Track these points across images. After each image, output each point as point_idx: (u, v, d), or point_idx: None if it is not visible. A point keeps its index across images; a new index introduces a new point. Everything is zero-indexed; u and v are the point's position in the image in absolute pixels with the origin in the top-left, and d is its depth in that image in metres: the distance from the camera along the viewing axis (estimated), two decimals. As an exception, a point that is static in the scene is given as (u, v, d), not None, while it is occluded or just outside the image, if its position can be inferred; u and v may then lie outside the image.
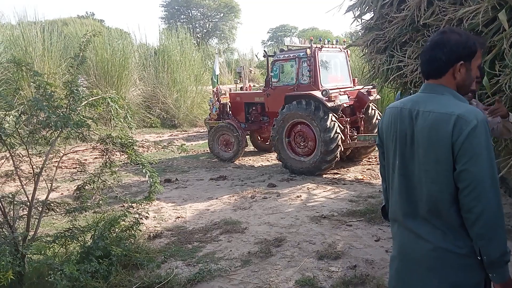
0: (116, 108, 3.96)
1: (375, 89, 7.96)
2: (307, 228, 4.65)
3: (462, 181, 1.43)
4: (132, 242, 4.01)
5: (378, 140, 1.80)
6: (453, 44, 1.53)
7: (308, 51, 7.48)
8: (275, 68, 8.12)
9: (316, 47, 7.55)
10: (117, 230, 3.85)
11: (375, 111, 8.07)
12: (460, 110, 1.47)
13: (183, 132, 13.79)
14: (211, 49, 27.20)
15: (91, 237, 3.68)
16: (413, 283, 1.62)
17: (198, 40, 29.28)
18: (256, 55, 28.48)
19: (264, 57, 8.88)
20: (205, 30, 47.58)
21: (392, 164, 1.67)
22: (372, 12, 4.66)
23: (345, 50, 8.35)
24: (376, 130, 1.96)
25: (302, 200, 5.81)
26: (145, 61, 15.46)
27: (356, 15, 5.03)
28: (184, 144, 4.63)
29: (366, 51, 4.83)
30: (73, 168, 8.03)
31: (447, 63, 1.55)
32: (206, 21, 48.22)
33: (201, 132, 13.69)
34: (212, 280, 3.52)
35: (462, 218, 1.47)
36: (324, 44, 7.87)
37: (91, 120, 3.46)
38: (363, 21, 4.83)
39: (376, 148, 8.09)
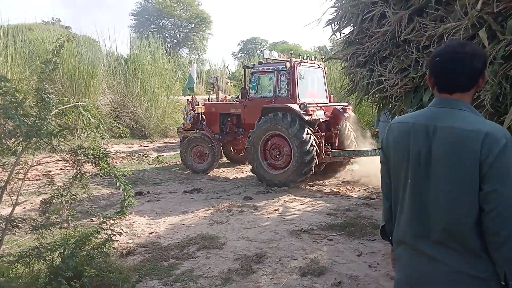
0: (89, 117, 3.75)
1: (350, 106, 8.06)
2: (287, 242, 4.55)
3: (489, 202, 1.35)
4: (104, 260, 3.76)
5: (383, 157, 1.70)
6: (483, 54, 1.49)
7: (288, 64, 7.49)
8: (253, 80, 8.07)
9: (296, 61, 7.57)
10: (87, 247, 3.60)
11: (349, 128, 8.15)
12: (487, 128, 1.39)
13: (154, 143, 13.44)
14: (181, 59, 26.92)
15: (58, 255, 3.42)
16: None
17: (169, 50, 28.98)
18: (227, 67, 28.47)
19: (243, 68, 8.82)
20: (175, 40, 47.22)
21: (403, 183, 1.57)
22: (352, 27, 4.69)
23: (323, 67, 8.44)
24: (379, 144, 1.85)
25: (279, 213, 5.71)
26: (114, 70, 15.04)
27: (335, 29, 5.06)
28: (161, 156, 4.45)
29: (346, 64, 4.86)
30: (37, 180, 7.59)
31: (479, 73, 1.49)
32: (177, 31, 47.91)
33: (172, 143, 13.40)
34: (192, 300, 3.34)
35: (483, 240, 1.40)
36: (303, 59, 7.91)
37: (65, 130, 3.22)
38: (342, 35, 4.86)
39: (348, 163, 8.14)
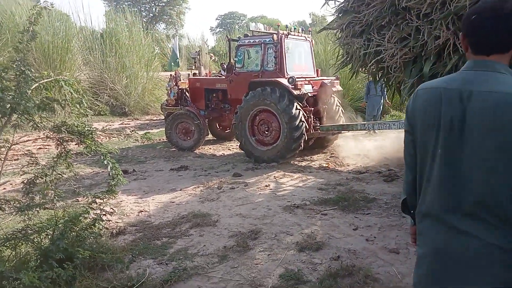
0: (71, 92, 3.52)
1: (338, 81, 7.95)
2: (282, 218, 4.48)
3: None
4: (95, 241, 3.60)
5: (407, 126, 1.57)
6: None
7: (275, 37, 7.26)
8: (239, 53, 7.81)
9: (283, 34, 7.35)
10: (77, 228, 3.43)
11: (337, 103, 8.06)
12: None
13: (135, 120, 13.09)
14: (159, 34, 26.10)
15: (46, 237, 3.24)
16: (455, 282, 1.46)
17: (145, 24, 27.99)
18: (206, 42, 27.81)
19: (227, 41, 8.53)
20: (151, 15, 45.74)
21: (431, 153, 1.46)
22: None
23: (310, 40, 8.24)
24: (405, 114, 1.71)
25: (271, 189, 5.63)
26: (90, 45, 14.41)
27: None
28: (149, 133, 4.26)
29: (341, 35, 4.71)
30: (15, 160, 7.26)
31: None
32: (153, 5, 46.35)
33: (154, 120, 13.09)
34: (190, 279, 3.24)
35: None
36: (291, 31, 7.68)
37: (55, 102, 3.00)
38: (337, 3, 4.69)
39: (336, 138, 8.09)
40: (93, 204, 3.61)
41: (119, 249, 3.70)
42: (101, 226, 3.71)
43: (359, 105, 11.47)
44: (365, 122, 8.10)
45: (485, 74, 1.38)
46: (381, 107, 9.79)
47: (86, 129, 3.86)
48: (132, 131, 4.25)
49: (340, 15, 4.64)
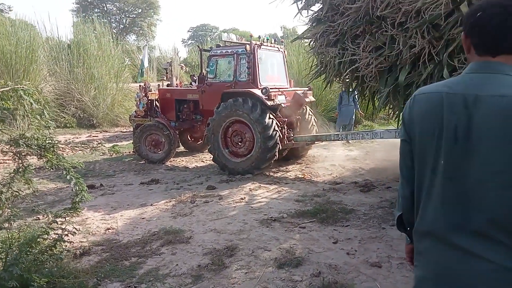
0: (31, 103, 3.25)
1: (311, 91, 7.91)
2: (259, 233, 4.29)
3: None
4: (56, 264, 3.30)
5: (404, 135, 1.42)
6: None
7: (248, 47, 7.15)
8: (211, 64, 7.65)
9: (256, 44, 7.25)
10: (35, 251, 3.12)
11: (310, 113, 8.01)
12: None
13: (103, 132, 12.63)
14: (129, 45, 25.63)
15: None
16: None
17: (115, 36, 27.41)
18: (177, 54, 27.50)
19: (199, 51, 8.36)
20: (122, 26, 45.05)
21: (432, 165, 1.31)
22: (322, 3, 4.47)
23: (283, 50, 8.19)
24: (400, 123, 1.55)
25: (246, 202, 5.44)
26: (57, 55, 13.89)
27: (301, 7, 4.81)
28: (117, 145, 4.01)
29: (315, 44, 4.64)
30: (-30, 176, 6.76)
31: None
32: (123, 16, 45.70)
33: (123, 132, 12.67)
34: (161, 303, 2.99)
35: None
36: (264, 42, 7.60)
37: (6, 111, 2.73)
38: (310, 13, 4.62)
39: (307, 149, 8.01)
40: (53, 223, 3.32)
41: (83, 272, 3.40)
42: (62, 248, 3.42)
43: (332, 115, 11.51)
44: (338, 133, 8.07)
45: (491, 77, 1.25)
46: (354, 117, 9.83)
47: (47, 142, 3.58)
48: (99, 143, 3.99)
49: (314, 24, 4.56)
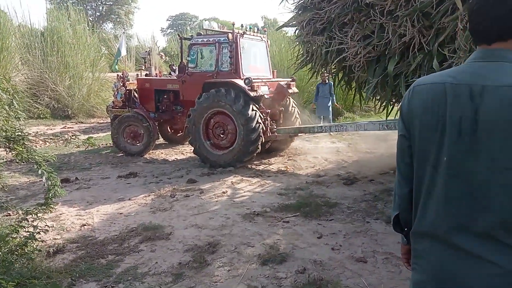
0: (-1, 93, 3.03)
1: (294, 82, 7.78)
2: (241, 228, 4.17)
3: None
4: (26, 264, 3.10)
5: (402, 129, 1.32)
6: None
7: (230, 36, 6.94)
8: (192, 53, 7.41)
9: (238, 33, 7.05)
10: (3, 250, 2.92)
11: (293, 104, 7.89)
12: None
13: (79, 124, 12.22)
14: (106, 34, 24.89)
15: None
16: None
17: (91, 23, 26.60)
18: (156, 43, 26.93)
19: (179, 39, 8.10)
20: (98, 14, 43.76)
21: (433, 161, 1.22)
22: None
23: (266, 40, 8.02)
24: (398, 114, 1.42)
25: (228, 196, 5.30)
26: (29, 43, 13.31)
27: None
28: (92, 137, 3.80)
29: (301, 32, 4.50)
30: None
31: None
32: (99, 3, 44.38)
33: (100, 123, 12.30)
34: (140, 304, 2.84)
35: None
36: (246, 30, 7.40)
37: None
38: (296, 0, 4.47)
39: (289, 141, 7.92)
40: (23, 221, 3.11)
41: (56, 272, 3.21)
42: (34, 246, 3.22)
43: (314, 107, 11.46)
44: (322, 125, 8.00)
45: (498, 65, 1.15)
46: (331, 109, 9.81)
47: (16, 134, 3.36)
48: (73, 135, 3.78)
49: (300, 12, 4.42)
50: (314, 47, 4.27)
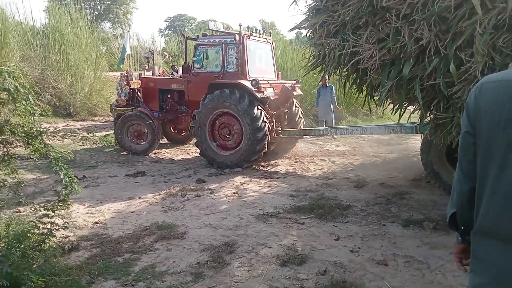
0: (16, 87, 3.01)
1: (299, 85, 7.80)
2: (256, 228, 4.15)
3: None
4: (45, 261, 3.06)
5: (468, 126, 1.31)
6: None
7: (237, 37, 6.95)
8: (198, 53, 7.40)
9: (245, 34, 7.06)
10: (25, 246, 2.89)
11: (297, 106, 7.91)
12: None
13: (81, 122, 12.14)
14: (104, 33, 24.80)
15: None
16: None
17: (91, 22, 26.49)
18: (153, 43, 26.82)
19: (185, 40, 8.08)
20: (96, 13, 43.56)
21: (500, 159, 1.20)
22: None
23: (271, 42, 8.04)
24: (463, 112, 1.42)
25: (239, 196, 5.28)
26: (31, 39, 13.22)
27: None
28: (108, 135, 3.78)
29: (313, 35, 4.49)
30: None
31: None
32: (98, 2, 44.20)
33: (102, 122, 12.24)
34: (163, 303, 2.81)
35: None
36: (253, 32, 7.41)
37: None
38: (309, 2, 4.46)
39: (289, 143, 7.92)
40: (44, 217, 3.08)
41: (74, 269, 3.18)
42: (52, 243, 3.20)
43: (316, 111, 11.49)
44: (327, 127, 8.02)
45: None
46: (332, 113, 9.85)
47: (34, 129, 3.34)
48: (90, 133, 3.78)
49: (312, 14, 4.41)
50: (326, 50, 4.27)
